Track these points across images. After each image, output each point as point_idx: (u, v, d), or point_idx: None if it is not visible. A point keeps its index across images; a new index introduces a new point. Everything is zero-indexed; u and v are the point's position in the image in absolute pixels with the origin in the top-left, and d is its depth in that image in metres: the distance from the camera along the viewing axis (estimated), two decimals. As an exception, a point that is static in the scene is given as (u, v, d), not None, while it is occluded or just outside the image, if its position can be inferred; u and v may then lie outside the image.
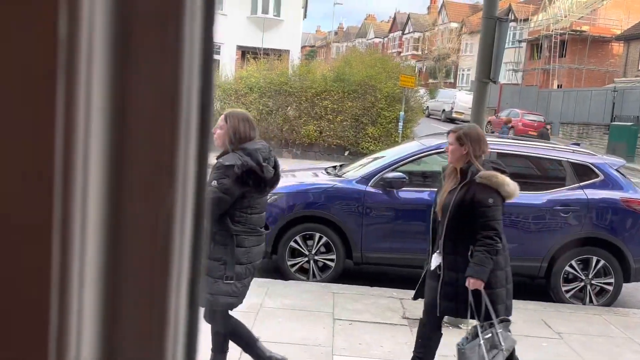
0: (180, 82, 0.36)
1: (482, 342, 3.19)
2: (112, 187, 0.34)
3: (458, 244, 3.23)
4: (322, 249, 5.65)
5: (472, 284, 3.17)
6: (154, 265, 0.36)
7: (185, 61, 0.36)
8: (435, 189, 5.98)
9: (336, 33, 68.58)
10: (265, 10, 24.78)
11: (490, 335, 3.20)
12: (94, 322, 0.34)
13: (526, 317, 5.04)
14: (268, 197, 5.79)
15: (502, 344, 3.16)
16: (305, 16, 29.56)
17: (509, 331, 3.25)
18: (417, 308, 4.96)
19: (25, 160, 0.31)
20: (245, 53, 23.00)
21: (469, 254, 3.20)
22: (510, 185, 3.23)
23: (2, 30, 0.30)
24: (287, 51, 22.45)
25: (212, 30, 0.38)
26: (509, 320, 3.25)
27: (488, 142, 5.74)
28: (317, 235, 5.62)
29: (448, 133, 3.43)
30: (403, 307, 5.01)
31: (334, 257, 5.63)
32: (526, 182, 6.10)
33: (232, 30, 23.44)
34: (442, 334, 3.54)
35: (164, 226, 0.36)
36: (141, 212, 0.36)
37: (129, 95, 0.35)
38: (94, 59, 0.32)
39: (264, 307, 4.75)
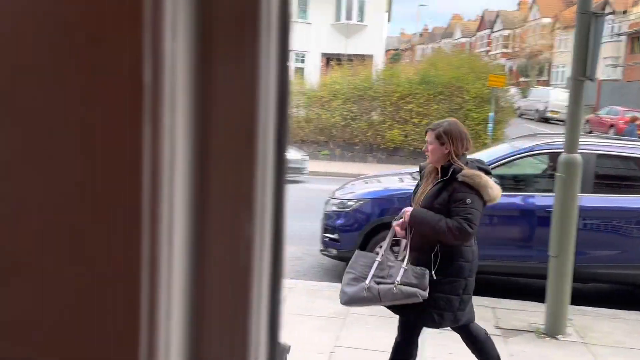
0: (257, 117, 0.38)
1: (378, 260, 2.98)
2: (196, 220, 0.37)
3: (424, 241, 3.00)
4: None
5: (406, 215, 2.99)
6: (236, 291, 0.38)
7: (262, 97, 0.37)
8: (530, 193, 5.77)
9: (421, 35, 67.66)
10: (348, 17, 24.92)
11: (393, 265, 2.96)
12: (179, 350, 0.36)
13: (629, 328, 4.71)
14: (353, 203, 5.82)
15: (398, 280, 2.92)
16: (389, 20, 29.42)
17: (421, 289, 2.93)
18: (511, 317, 4.78)
19: (115, 200, 0.33)
20: (330, 60, 23.25)
21: (433, 253, 2.95)
22: (494, 188, 2.96)
23: (91, 76, 0.33)
24: (371, 56, 22.44)
25: (287, 72, 0.39)
26: (426, 272, 2.95)
27: (587, 142, 5.45)
28: (404, 241, 5.56)
29: (426, 131, 3.13)
30: (496, 316, 4.84)
31: (421, 263, 5.54)
32: (629, 184, 5.71)
33: (316, 38, 23.77)
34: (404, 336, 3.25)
35: (244, 254, 0.38)
36: (223, 241, 0.37)
37: (210, 133, 0.37)
38: (177, 101, 0.34)
39: (352, 313, 4.76)
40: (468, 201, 2.90)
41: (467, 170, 2.93)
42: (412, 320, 3.12)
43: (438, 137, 2.98)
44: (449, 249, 2.96)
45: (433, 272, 2.95)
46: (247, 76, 0.37)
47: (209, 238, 0.37)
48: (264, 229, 0.38)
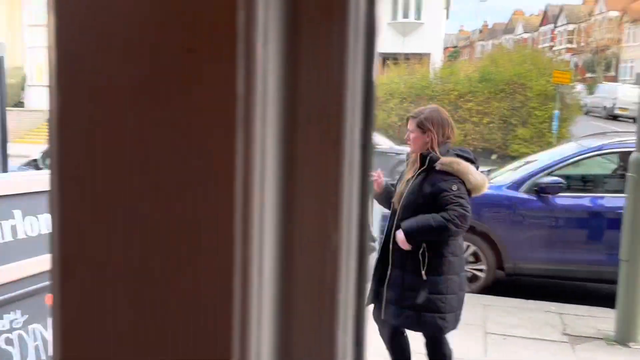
0: (344, 123, 0.37)
1: None
2: (284, 230, 0.36)
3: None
4: (470, 259, 5.46)
5: (397, 235, 2.83)
6: (322, 302, 0.37)
7: (349, 102, 0.37)
8: (599, 195, 5.53)
9: (480, 31, 66.15)
10: (405, 15, 24.65)
11: None
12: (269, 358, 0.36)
13: None
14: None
15: None
16: (447, 17, 28.93)
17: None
18: (579, 324, 4.59)
19: (209, 209, 0.33)
20: (386, 59, 23.10)
21: (420, 252, 2.80)
22: (476, 175, 2.80)
23: (186, 87, 0.33)
24: (429, 54, 22.12)
25: (373, 75, 0.38)
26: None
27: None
28: (465, 244, 5.44)
29: (407, 119, 2.98)
30: (563, 322, 4.66)
31: (483, 267, 5.41)
32: None
33: (373, 37, 23.58)
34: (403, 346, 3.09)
35: (330, 265, 0.37)
36: (310, 252, 0.37)
37: (296, 140, 0.36)
38: (268, 109, 0.34)
39: (411, 316, 4.71)
40: (454, 187, 2.78)
41: (444, 158, 2.81)
42: (420, 330, 2.98)
43: (420, 126, 2.87)
44: (436, 245, 2.83)
45: (423, 272, 2.83)
46: (335, 80, 0.36)
47: (296, 248, 0.37)
48: (350, 239, 0.38)
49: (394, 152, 8.75)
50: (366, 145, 0.39)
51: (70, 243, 0.35)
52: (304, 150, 0.36)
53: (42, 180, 2.14)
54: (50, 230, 0.37)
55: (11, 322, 1.93)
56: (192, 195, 0.33)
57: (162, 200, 0.34)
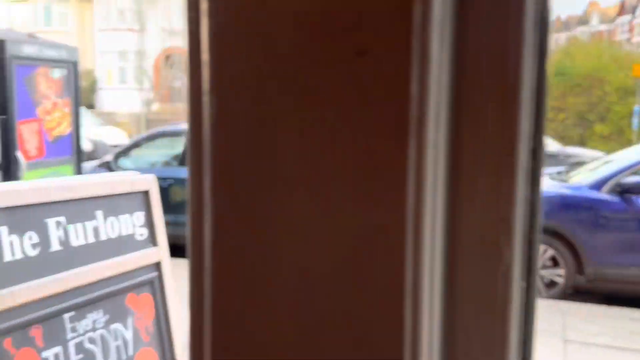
0: (518, 129, 0.33)
1: None
2: (450, 245, 0.33)
3: None
4: (548, 263, 5.23)
5: None
6: (493, 324, 0.34)
7: (524, 107, 0.33)
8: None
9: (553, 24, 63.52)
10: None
11: None
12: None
13: None
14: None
15: None
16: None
17: None
18: (668, 334, 4.30)
19: (378, 214, 0.31)
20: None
21: None
22: None
23: (355, 89, 0.31)
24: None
25: (545, 73, 0.34)
26: None
27: None
28: (541, 247, 5.22)
29: None
30: (648, 331, 4.40)
31: (561, 272, 5.18)
32: None
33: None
34: None
35: (502, 284, 0.34)
36: (478, 268, 0.34)
37: (467, 148, 0.33)
38: (441, 113, 0.31)
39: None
40: None
41: None
42: None
43: None
44: None
45: None
46: (508, 81, 0.33)
47: (463, 264, 0.34)
48: (522, 256, 0.34)
49: (564, 155, 8.28)
50: (537, 150, 0.35)
51: (224, 249, 0.34)
52: (474, 158, 0.33)
53: (119, 181, 2.18)
54: (191, 234, 0.36)
55: (94, 321, 1.98)
56: (360, 202, 0.31)
57: (327, 207, 0.31)
